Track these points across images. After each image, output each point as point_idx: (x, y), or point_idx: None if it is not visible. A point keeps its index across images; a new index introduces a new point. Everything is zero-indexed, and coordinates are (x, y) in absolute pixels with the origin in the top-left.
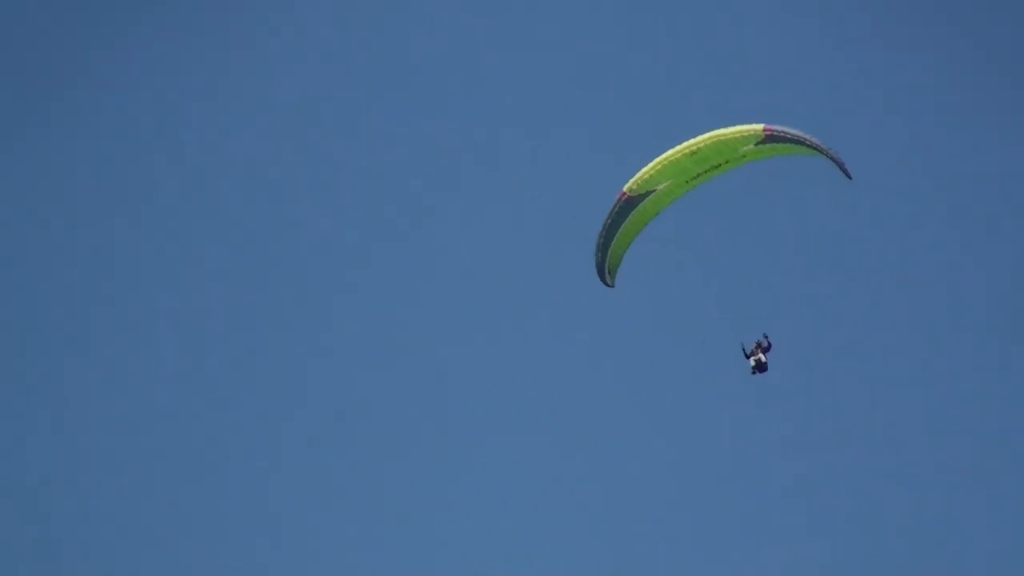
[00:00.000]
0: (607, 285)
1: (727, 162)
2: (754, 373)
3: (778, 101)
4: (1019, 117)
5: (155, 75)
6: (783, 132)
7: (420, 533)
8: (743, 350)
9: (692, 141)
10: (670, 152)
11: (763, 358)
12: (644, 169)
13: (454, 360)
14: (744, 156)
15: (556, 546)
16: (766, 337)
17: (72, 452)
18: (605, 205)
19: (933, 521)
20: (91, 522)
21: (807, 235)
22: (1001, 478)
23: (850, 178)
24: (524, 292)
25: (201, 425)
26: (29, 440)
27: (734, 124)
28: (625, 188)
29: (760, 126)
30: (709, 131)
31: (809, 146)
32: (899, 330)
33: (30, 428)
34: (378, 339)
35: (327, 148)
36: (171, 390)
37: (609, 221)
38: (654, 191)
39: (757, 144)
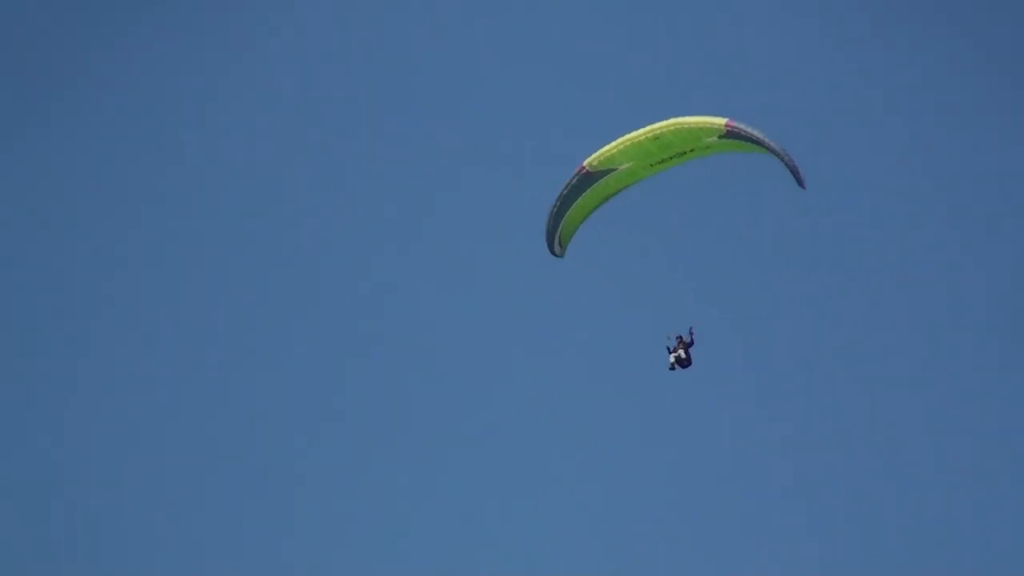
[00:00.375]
0: (555, 255)
1: (692, 151)
2: (672, 368)
3: (778, 101)
4: (1019, 117)
5: (155, 75)
6: (744, 130)
7: (419, 533)
8: (667, 347)
9: (656, 125)
10: (633, 134)
11: (683, 354)
12: (606, 147)
13: (454, 360)
14: (709, 147)
15: (556, 546)
16: (691, 332)
17: (72, 453)
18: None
19: (933, 521)
20: (91, 523)
21: (808, 234)
22: (1001, 478)
23: (803, 187)
24: (524, 292)
25: (201, 426)
26: (28, 441)
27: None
28: (585, 163)
29: (723, 120)
30: (675, 117)
31: (767, 148)
32: (898, 330)
33: (30, 428)
34: (378, 339)
35: (327, 148)
36: (171, 390)
37: (565, 192)
38: (615, 170)
39: (720, 138)
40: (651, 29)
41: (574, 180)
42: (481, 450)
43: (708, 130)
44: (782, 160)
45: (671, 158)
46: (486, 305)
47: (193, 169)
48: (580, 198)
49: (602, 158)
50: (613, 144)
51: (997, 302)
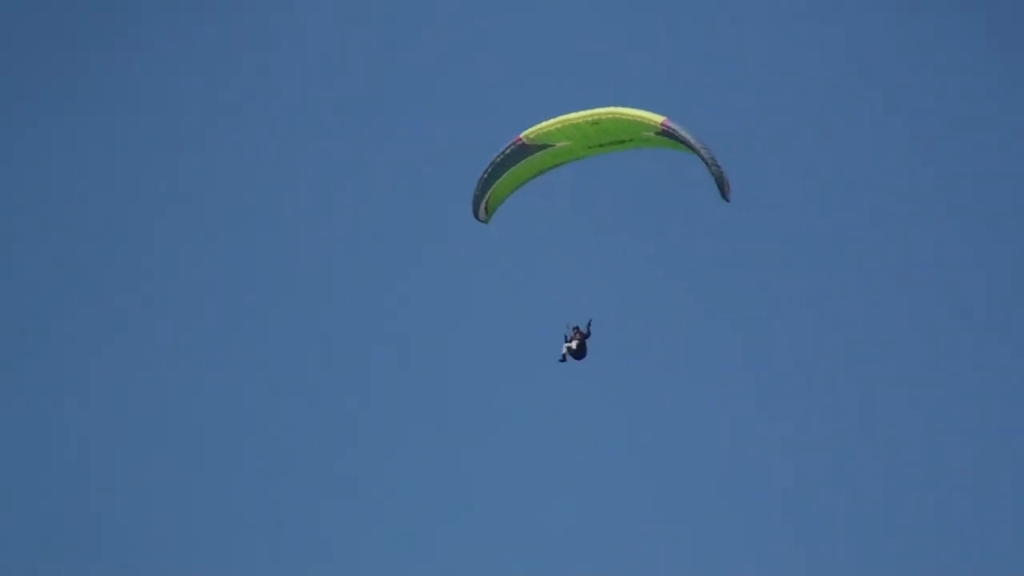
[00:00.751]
0: (479, 221)
1: (631, 141)
2: (563, 360)
3: (778, 101)
4: (1019, 117)
5: (155, 75)
6: (678, 133)
7: (418, 533)
8: (564, 335)
9: (597, 110)
10: (575, 115)
11: (573, 346)
12: (545, 123)
13: (452, 359)
14: (647, 141)
15: (556, 546)
16: (588, 324)
17: (70, 453)
18: (604, 205)
19: (933, 521)
20: (90, 522)
21: (808, 234)
22: (1001, 478)
23: (727, 200)
24: (524, 292)
25: (201, 426)
26: (28, 440)
27: (730, 125)
28: (523, 134)
29: (660, 118)
30: (621, 106)
31: (698, 155)
32: (898, 330)
33: (29, 428)
34: (377, 339)
35: (327, 148)
36: (171, 392)
37: (499, 159)
38: (552, 146)
39: (656, 134)
40: (652, 28)
41: (509, 150)
42: (480, 450)
43: (645, 125)
44: (709, 169)
45: (610, 144)
46: (485, 304)
47: (193, 168)
48: (513, 168)
49: (540, 132)
50: (553, 121)
51: (997, 302)
